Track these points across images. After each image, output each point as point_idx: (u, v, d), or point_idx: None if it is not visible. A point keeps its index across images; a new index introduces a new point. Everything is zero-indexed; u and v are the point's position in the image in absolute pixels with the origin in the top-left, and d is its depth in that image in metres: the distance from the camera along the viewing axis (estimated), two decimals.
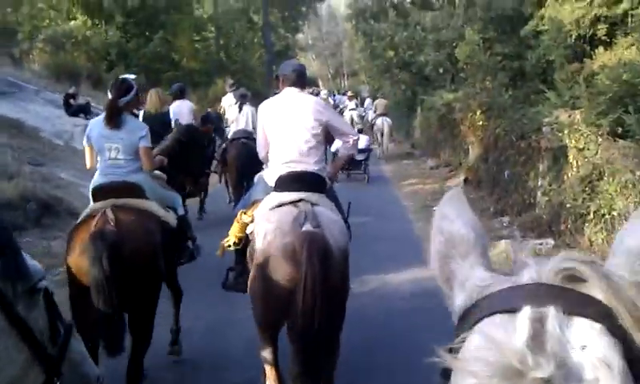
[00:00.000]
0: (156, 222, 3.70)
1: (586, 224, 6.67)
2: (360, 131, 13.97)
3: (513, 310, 0.60)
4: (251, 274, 3.27)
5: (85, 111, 12.93)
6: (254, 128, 4.20)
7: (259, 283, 3.14)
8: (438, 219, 0.80)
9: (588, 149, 6.91)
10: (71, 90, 13.38)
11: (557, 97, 8.78)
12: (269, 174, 3.59)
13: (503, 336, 0.58)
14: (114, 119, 3.78)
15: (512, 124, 9.43)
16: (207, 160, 8.25)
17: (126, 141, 3.81)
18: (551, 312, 0.58)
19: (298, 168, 3.44)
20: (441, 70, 20.11)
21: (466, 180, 11.89)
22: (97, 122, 3.94)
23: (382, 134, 16.98)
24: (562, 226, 7.11)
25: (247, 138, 8.39)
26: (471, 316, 0.66)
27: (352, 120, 15.04)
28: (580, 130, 7.08)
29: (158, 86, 9.12)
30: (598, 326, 0.58)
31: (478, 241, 0.76)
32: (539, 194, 8.38)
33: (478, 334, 0.62)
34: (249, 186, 7.16)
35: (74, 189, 8.78)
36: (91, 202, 3.78)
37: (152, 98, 6.91)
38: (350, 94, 19.89)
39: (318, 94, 15.85)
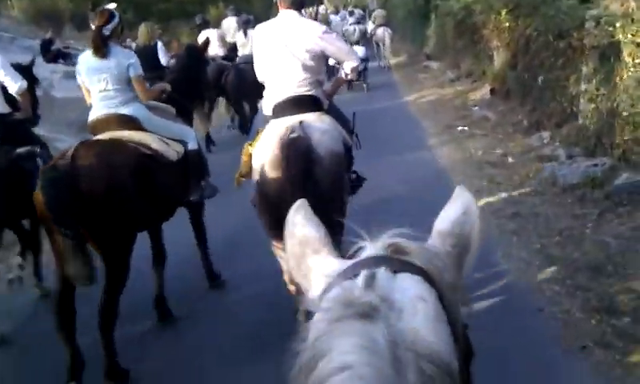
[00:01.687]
0: (137, 157, 3.51)
1: None
2: (357, 43, 14.76)
3: (355, 276, 0.75)
4: (254, 192, 3.41)
5: (64, 56, 11.75)
6: None
7: (259, 198, 3.34)
8: (290, 226, 0.93)
9: None
10: (48, 35, 12.14)
11: None
12: (265, 102, 3.61)
13: (347, 287, 0.73)
14: (101, 48, 3.73)
15: (546, 22, 8.03)
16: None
17: (114, 70, 3.73)
18: (380, 270, 0.74)
19: (292, 94, 3.46)
20: None
21: (492, 90, 10.58)
22: (84, 56, 3.89)
23: (384, 44, 16.76)
24: (618, 138, 5.90)
25: (247, 63, 7.69)
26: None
27: (354, 32, 15.58)
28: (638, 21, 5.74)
29: (148, 20, 9.49)
30: (416, 277, 0.74)
31: (326, 239, 0.90)
32: (583, 100, 7.13)
33: (331, 289, 0.76)
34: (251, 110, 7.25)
35: (51, 146, 7.75)
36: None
37: (142, 31, 7.26)
38: (350, 8, 20.25)
39: (317, 13, 16.19)
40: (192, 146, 4.05)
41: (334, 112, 3.65)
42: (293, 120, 3.29)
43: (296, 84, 3.45)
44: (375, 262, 0.75)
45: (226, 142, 8.85)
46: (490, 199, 5.23)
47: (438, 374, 0.62)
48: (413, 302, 0.68)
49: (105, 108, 3.75)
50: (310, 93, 3.47)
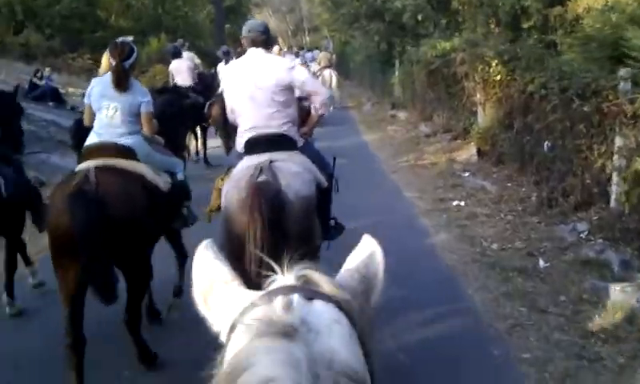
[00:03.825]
0: (140, 185, 3.61)
1: None
2: None
3: (270, 302, 0.76)
4: (220, 228, 3.33)
5: None
6: None
7: (223, 238, 3.18)
8: (198, 263, 0.93)
9: None
10: None
11: None
12: (238, 140, 3.61)
13: (265, 306, 0.75)
14: (123, 83, 3.75)
15: (560, 78, 6.57)
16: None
17: (127, 102, 3.78)
18: (296, 296, 0.76)
19: (263, 132, 3.45)
20: (419, 17, 17.22)
21: (479, 152, 9.08)
22: (100, 81, 3.90)
23: (331, 86, 15.70)
24: None
25: None
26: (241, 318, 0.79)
27: None
28: None
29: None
30: (330, 304, 0.77)
31: (236, 274, 0.91)
32: (617, 178, 5.62)
33: (248, 312, 0.77)
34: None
35: None
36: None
37: (104, 61, 6.28)
38: (295, 50, 22.38)
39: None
40: (179, 176, 4.17)
41: (310, 153, 3.63)
42: (263, 158, 3.27)
43: (267, 120, 3.45)
44: (289, 290, 0.78)
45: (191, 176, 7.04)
46: (548, 350, 3.46)
47: None
48: (328, 324, 0.73)
49: (106, 135, 3.75)
50: (281, 131, 3.46)
